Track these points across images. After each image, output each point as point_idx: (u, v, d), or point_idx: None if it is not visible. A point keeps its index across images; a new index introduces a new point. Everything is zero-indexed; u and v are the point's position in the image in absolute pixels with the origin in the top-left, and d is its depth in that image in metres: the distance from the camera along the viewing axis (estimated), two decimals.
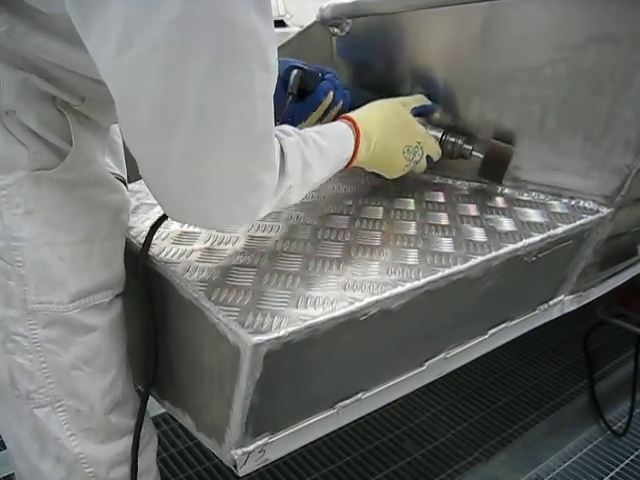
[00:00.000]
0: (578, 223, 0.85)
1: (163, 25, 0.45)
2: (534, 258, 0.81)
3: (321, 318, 0.60)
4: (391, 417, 1.64)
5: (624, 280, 1.11)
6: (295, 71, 0.91)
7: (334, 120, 0.84)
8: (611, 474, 1.47)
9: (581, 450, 1.54)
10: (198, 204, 0.58)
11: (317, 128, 0.76)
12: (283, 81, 0.91)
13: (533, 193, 0.93)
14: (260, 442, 0.64)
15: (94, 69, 0.59)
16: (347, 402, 0.70)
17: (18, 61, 0.57)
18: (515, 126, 0.92)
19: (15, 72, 0.57)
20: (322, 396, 0.68)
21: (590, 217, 0.86)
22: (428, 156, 0.91)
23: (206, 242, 0.73)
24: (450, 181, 0.99)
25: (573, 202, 0.89)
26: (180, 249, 0.72)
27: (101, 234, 0.65)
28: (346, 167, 0.80)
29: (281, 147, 0.64)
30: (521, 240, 0.78)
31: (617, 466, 1.49)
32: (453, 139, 0.95)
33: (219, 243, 0.73)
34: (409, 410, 1.67)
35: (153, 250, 0.71)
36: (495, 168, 0.93)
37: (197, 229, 0.78)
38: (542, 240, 0.80)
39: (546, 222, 0.84)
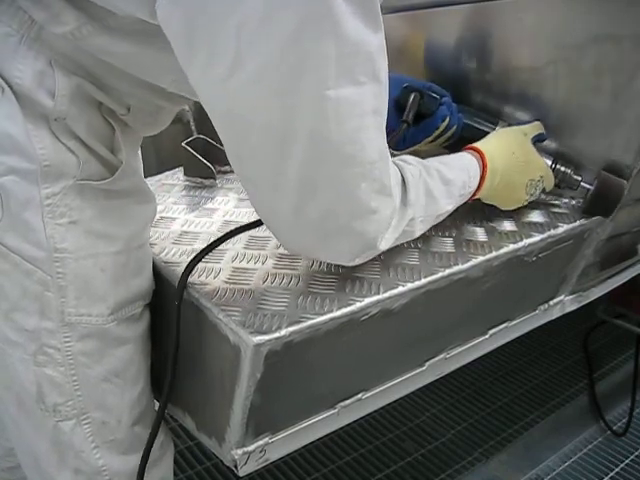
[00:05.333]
0: (578, 223, 0.85)
1: (276, 42, 0.45)
2: (534, 258, 0.81)
3: (321, 318, 0.60)
4: (391, 417, 1.64)
5: (624, 280, 1.11)
6: (413, 95, 0.86)
7: (447, 145, 0.82)
8: (611, 474, 1.47)
9: (581, 450, 1.54)
10: (312, 237, 0.57)
11: (441, 158, 0.74)
12: (396, 102, 0.87)
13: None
14: (261, 442, 0.64)
15: (160, 72, 0.57)
16: (347, 402, 0.70)
17: (73, 66, 0.56)
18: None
19: (69, 77, 0.56)
20: (322, 396, 0.68)
21: (590, 217, 0.86)
22: (543, 188, 0.87)
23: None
24: None
25: (573, 202, 0.89)
26: (181, 249, 0.72)
27: (136, 243, 0.64)
28: (467, 201, 0.77)
29: (402, 176, 0.62)
30: (521, 240, 0.78)
31: (617, 466, 1.49)
32: (563, 168, 0.88)
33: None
34: (409, 410, 1.67)
35: (153, 250, 0.71)
36: (605, 203, 0.85)
37: (197, 229, 0.78)
38: (542, 240, 0.80)
39: (546, 222, 0.84)
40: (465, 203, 0.77)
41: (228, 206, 0.86)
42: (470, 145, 0.80)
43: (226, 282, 0.65)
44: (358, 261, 0.63)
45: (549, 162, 0.87)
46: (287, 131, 0.49)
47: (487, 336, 0.84)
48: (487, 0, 0.89)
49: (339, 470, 1.46)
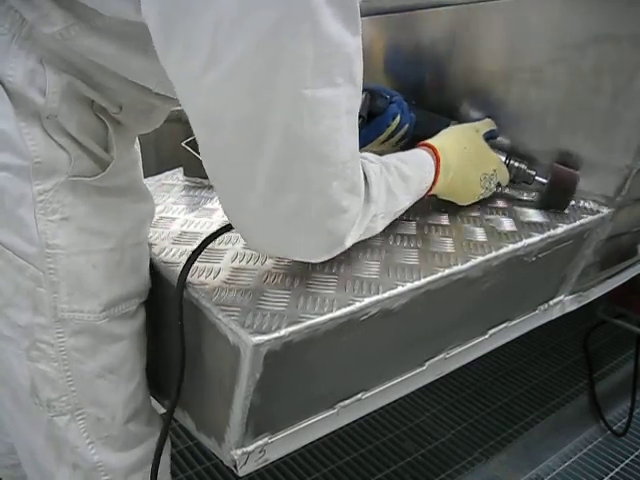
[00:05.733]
0: (578, 223, 0.85)
1: (253, 39, 0.45)
2: (534, 258, 0.81)
3: (321, 318, 0.60)
4: (391, 417, 1.64)
5: (624, 280, 1.10)
6: (364, 94, 0.87)
7: (398, 142, 0.82)
8: (611, 474, 1.47)
9: (581, 450, 1.54)
10: (281, 235, 0.57)
11: (398, 155, 0.75)
12: None
13: (533, 193, 0.93)
14: (260, 442, 0.64)
15: (145, 74, 0.58)
16: (347, 402, 0.70)
17: (64, 65, 0.57)
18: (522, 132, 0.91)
19: (60, 75, 0.56)
20: (322, 396, 0.68)
21: (590, 217, 0.86)
22: (497, 182, 0.89)
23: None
24: None
25: (573, 202, 0.89)
26: (180, 249, 0.72)
27: (131, 242, 0.65)
28: (423, 197, 0.78)
29: (364, 173, 0.62)
30: (521, 240, 0.78)
31: (617, 466, 1.49)
32: (517, 163, 0.90)
33: (219, 243, 0.73)
34: (409, 410, 1.67)
35: (153, 250, 0.71)
36: (560, 195, 0.87)
37: (197, 229, 0.78)
38: (542, 240, 0.80)
39: (546, 222, 0.84)
40: (422, 199, 0.78)
41: None
42: (423, 142, 0.81)
43: (226, 282, 0.65)
44: (325, 258, 0.64)
45: (503, 158, 0.90)
46: (261, 129, 0.49)
47: (487, 336, 0.84)
48: (488, 0, 0.89)
49: (339, 470, 1.46)
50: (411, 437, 1.58)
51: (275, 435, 0.65)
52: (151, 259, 0.70)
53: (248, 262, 0.69)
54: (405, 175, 0.71)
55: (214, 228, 0.78)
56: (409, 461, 1.50)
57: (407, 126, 0.91)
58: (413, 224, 0.82)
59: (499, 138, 0.93)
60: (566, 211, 0.87)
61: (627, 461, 1.51)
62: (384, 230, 0.78)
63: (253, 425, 0.62)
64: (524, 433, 1.60)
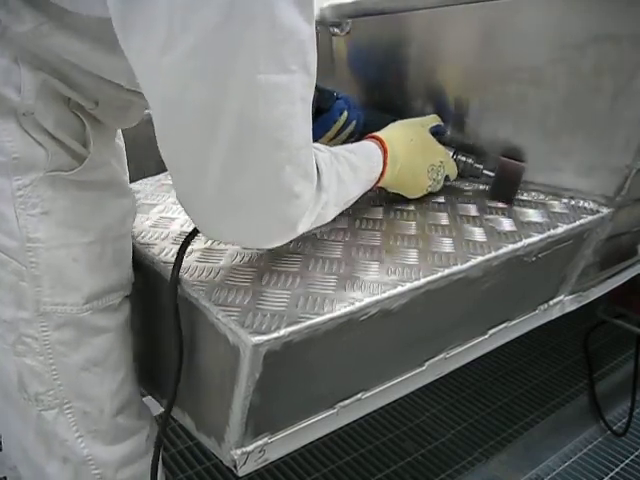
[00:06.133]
0: (578, 223, 0.85)
1: (206, 26, 0.45)
2: (534, 258, 0.81)
3: (321, 318, 0.60)
4: (391, 417, 1.64)
5: (624, 280, 1.10)
6: None
7: (347, 139, 0.83)
8: (611, 474, 1.47)
9: (581, 450, 1.54)
10: (235, 220, 0.57)
11: (346, 146, 0.76)
12: None
13: (533, 193, 0.93)
14: (260, 442, 0.64)
15: (115, 71, 0.59)
16: (347, 402, 0.70)
17: (38, 62, 0.57)
18: (520, 133, 0.91)
19: (35, 73, 0.57)
20: (322, 396, 0.68)
21: (590, 217, 0.86)
22: (446, 175, 0.91)
23: (206, 242, 0.73)
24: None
25: (573, 202, 0.89)
26: None
27: (112, 235, 0.65)
28: (372, 188, 0.80)
29: (316, 162, 0.63)
30: (521, 240, 0.78)
31: (617, 466, 1.49)
32: (464, 158, 0.95)
33: (219, 243, 0.73)
34: (409, 410, 1.67)
35: (153, 250, 0.71)
36: (506, 187, 0.91)
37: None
38: (542, 240, 0.80)
39: (546, 222, 0.84)
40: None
41: None
42: (371, 134, 0.82)
43: (225, 282, 0.65)
44: (276, 244, 0.64)
45: (450, 154, 0.93)
46: (216, 113, 0.49)
47: (487, 336, 0.84)
48: (487, 0, 0.89)
49: (339, 470, 1.46)
50: (411, 437, 1.58)
51: (275, 435, 0.65)
52: (151, 259, 0.70)
53: (248, 262, 0.69)
54: (354, 165, 0.72)
55: None
56: (409, 461, 1.50)
57: (355, 123, 0.92)
58: (413, 224, 0.82)
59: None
60: (561, 210, 0.87)
61: (627, 461, 1.51)
62: (384, 230, 0.79)
63: (253, 425, 0.62)
64: (524, 433, 1.60)
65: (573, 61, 0.83)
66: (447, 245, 0.76)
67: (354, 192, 0.73)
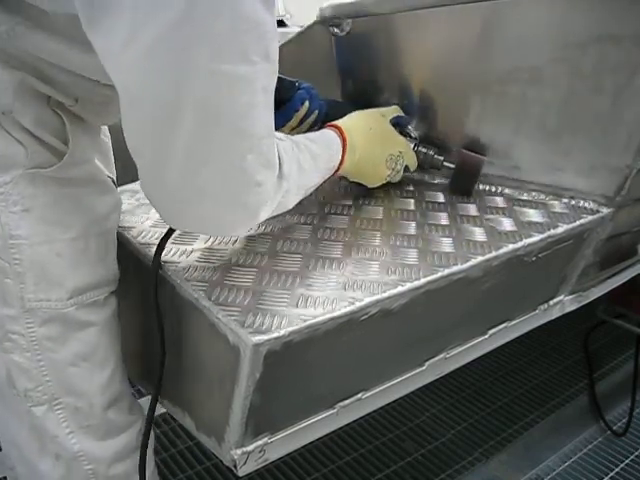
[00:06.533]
0: (578, 223, 0.85)
1: (170, 18, 0.45)
2: (534, 258, 0.81)
3: (321, 318, 0.60)
4: (391, 417, 1.64)
5: (624, 280, 1.11)
6: None
7: (309, 130, 0.84)
8: (611, 474, 1.47)
9: (581, 450, 1.54)
10: (198, 208, 0.58)
11: (306, 135, 0.77)
12: None
13: (533, 193, 0.93)
14: (260, 442, 0.64)
15: (91, 69, 0.59)
16: (347, 402, 0.70)
17: (15, 62, 0.58)
18: (514, 127, 0.91)
19: (12, 73, 0.57)
20: (322, 396, 0.68)
21: (590, 217, 0.86)
22: (406, 166, 0.92)
23: (206, 242, 0.73)
24: None
25: (573, 202, 0.89)
26: (180, 249, 0.72)
27: (95, 231, 0.66)
28: (332, 175, 0.81)
29: (277, 150, 0.63)
30: (521, 240, 0.78)
31: (617, 466, 1.49)
32: (425, 150, 0.96)
33: (219, 243, 0.73)
34: (409, 410, 1.67)
35: (153, 250, 0.71)
36: (465, 180, 0.92)
37: None
38: (542, 240, 0.80)
39: (546, 222, 0.84)
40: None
41: None
42: (330, 123, 0.83)
43: (225, 281, 0.65)
44: (239, 232, 0.65)
45: (411, 145, 0.95)
46: (178, 104, 0.49)
47: (487, 336, 0.84)
48: (487, 0, 0.88)
49: (339, 470, 1.46)
50: (411, 437, 1.58)
51: (275, 435, 0.65)
52: (151, 258, 0.70)
53: (248, 262, 0.69)
54: (314, 153, 0.73)
55: None
56: (409, 461, 1.50)
57: (317, 112, 0.92)
58: (413, 224, 0.82)
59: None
60: (561, 210, 0.87)
61: (627, 461, 1.51)
62: (384, 230, 0.79)
63: (253, 425, 0.62)
64: (524, 433, 1.60)
65: (574, 61, 0.83)
66: (447, 245, 0.76)
67: (314, 180, 0.74)
